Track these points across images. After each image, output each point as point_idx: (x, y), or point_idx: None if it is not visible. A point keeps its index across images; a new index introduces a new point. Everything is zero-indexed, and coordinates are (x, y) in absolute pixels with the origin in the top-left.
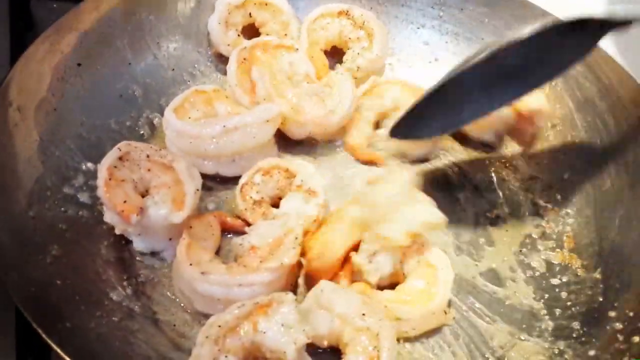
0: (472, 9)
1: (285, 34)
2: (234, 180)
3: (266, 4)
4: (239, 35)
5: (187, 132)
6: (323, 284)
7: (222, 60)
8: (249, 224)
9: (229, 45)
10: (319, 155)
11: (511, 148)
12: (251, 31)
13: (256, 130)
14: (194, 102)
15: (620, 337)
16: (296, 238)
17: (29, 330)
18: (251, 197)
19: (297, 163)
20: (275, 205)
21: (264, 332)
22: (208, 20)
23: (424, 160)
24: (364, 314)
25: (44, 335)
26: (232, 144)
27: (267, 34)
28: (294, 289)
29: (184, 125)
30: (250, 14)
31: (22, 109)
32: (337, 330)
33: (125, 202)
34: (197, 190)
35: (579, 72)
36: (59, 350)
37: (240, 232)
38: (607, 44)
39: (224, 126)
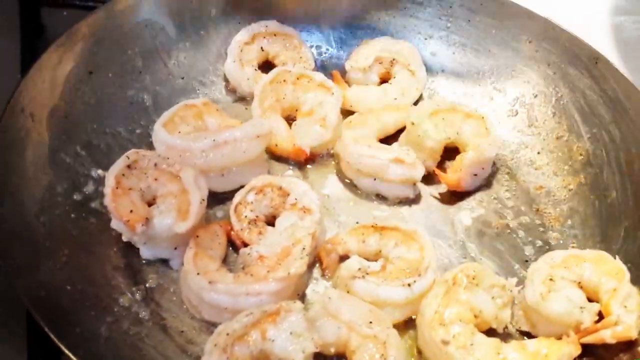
0: (480, 20)
1: (301, 57)
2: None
3: (275, 35)
4: (256, 69)
5: (177, 146)
6: (330, 292)
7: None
8: (246, 245)
9: (248, 79)
10: (309, 173)
11: (516, 160)
12: (268, 68)
13: (246, 145)
14: (183, 117)
15: (623, 347)
16: (304, 248)
17: (40, 334)
18: (246, 217)
19: (290, 181)
20: (271, 223)
21: (273, 340)
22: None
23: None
24: (371, 322)
25: (54, 339)
26: (221, 158)
27: (283, 63)
28: (301, 298)
29: (173, 139)
30: (262, 48)
31: (34, 115)
32: (344, 337)
33: (131, 211)
34: (203, 200)
35: (585, 83)
36: (69, 354)
37: (243, 244)
38: (613, 55)
39: (214, 140)
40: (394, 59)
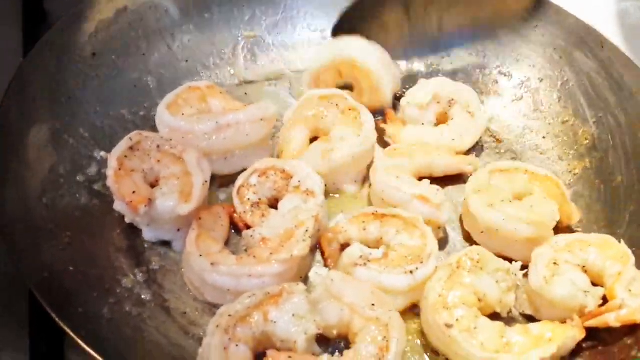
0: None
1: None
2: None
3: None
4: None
5: (180, 129)
6: (333, 274)
7: (234, 54)
8: (249, 227)
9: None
10: None
11: (521, 145)
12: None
13: (249, 129)
14: (187, 99)
15: (627, 331)
16: (307, 231)
17: (42, 316)
18: (249, 199)
19: (293, 164)
20: (274, 206)
21: (275, 322)
22: None
23: None
24: (373, 304)
25: (57, 320)
26: (224, 141)
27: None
28: (304, 280)
29: (176, 121)
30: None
31: (36, 97)
32: (347, 320)
33: (134, 192)
34: (206, 182)
35: (591, 67)
36: (72, 334)
37: (245, 227)
38: (618, 40)
39: (217, 123)
40: (452, 99)
